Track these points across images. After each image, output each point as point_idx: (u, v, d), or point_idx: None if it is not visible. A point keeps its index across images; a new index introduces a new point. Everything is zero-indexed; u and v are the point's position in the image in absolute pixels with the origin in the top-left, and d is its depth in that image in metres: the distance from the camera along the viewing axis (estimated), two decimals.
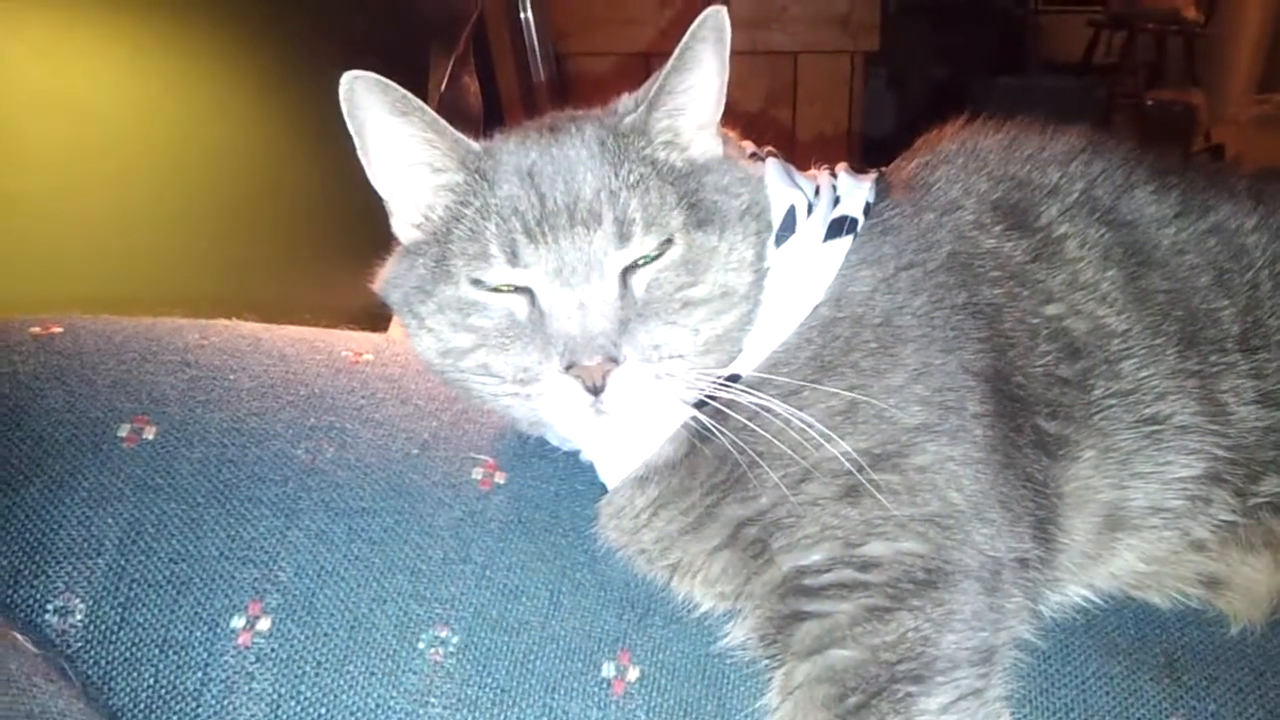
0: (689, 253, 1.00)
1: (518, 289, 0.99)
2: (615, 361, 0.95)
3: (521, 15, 3.37)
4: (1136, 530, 1.09)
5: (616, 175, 1.00)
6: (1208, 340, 1.10)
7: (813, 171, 1.17)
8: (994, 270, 1.10)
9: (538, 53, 3.41)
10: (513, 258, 0.98)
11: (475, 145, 1.04)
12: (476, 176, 1.02)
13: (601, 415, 0.97)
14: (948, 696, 0.95)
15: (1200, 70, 6.16)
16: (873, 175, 1.17)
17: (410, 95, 0.99)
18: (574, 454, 1.15)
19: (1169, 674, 1.07)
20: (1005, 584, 1.00)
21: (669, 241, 1.00)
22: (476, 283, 1.00)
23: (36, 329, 1.19)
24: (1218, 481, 1.08)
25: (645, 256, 0.99)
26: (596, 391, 0.96)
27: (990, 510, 1.01)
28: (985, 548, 1.00)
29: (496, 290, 0.99)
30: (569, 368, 0.95)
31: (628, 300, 0.98)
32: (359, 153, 1.03)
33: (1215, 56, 6.22)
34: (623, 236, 0.98)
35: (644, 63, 3.73)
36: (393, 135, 1.02)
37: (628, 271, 0.99)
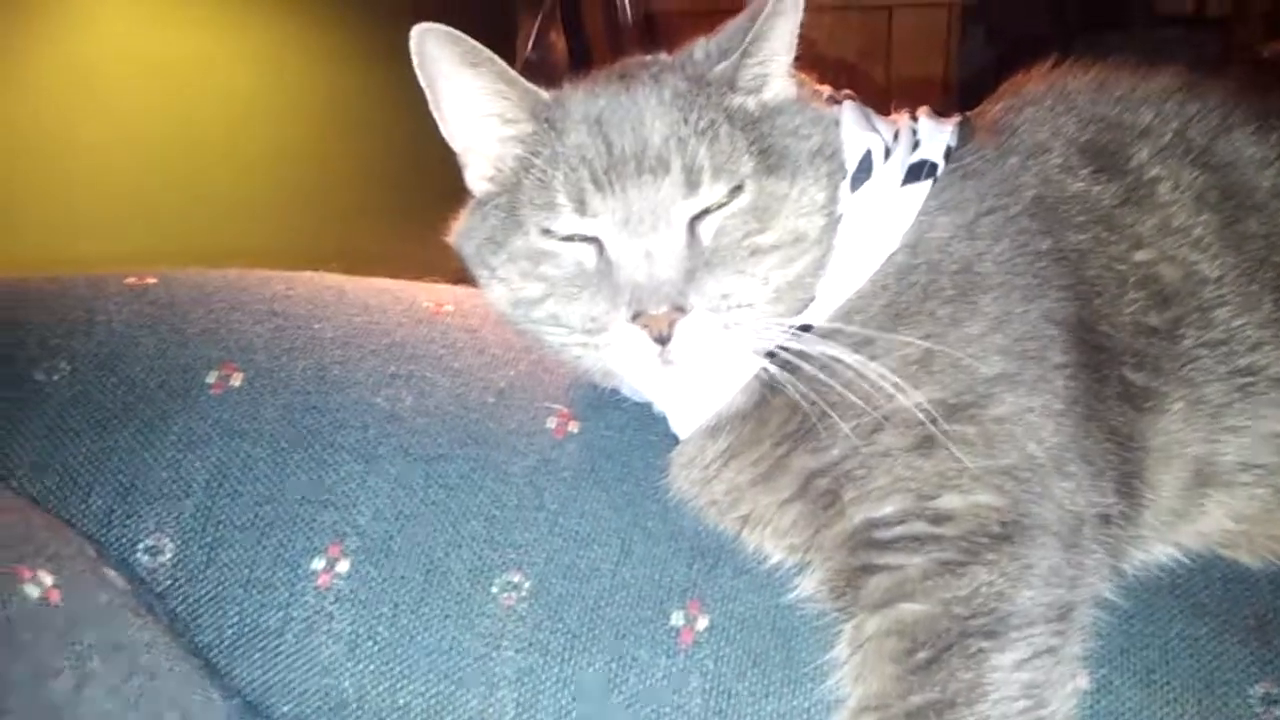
0: (759, 199, 0.99)
1: (586, 238, 0.99)
2: (682, 310, 0.94)
3: None
4: (1227, 487, 1.04)
5: (686, 122, 0.98)
6: None
7: (893, 116, 1.14)
8: (1080, 215, 1.06)
9: (628, 12, 3.39)
10: (580, 206, 0.97)
11: (545, 95, 1.03)
12: (546, 126, 1.02)
13: (668, 365, 0.96)
14: (1021, 653, 0.93)
15: None
16: (956, 119, 1.13)
17: (480, 46, 0.99)
18: (646, 405, 1.14)
19: (1258, 637, 1.02)
20: (1085, 540, 0.97)
21: (738, 188, 0.98)
22: (546, 232, 1.00)
23: (132, 280, 1.23)
24: None
25: (714, 204, 0.98)
26: (663, 341, 0.95)
27: (1071, 464, 0.98)
28: (1065, 502, 0.97)
29: (566, 239, 0.99)
30: (635, 317, 0.95)
31: (695, 249, 0.97)
32: (431, 107, 1.03)
33: None
34: (691, 184, 0.97)
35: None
36: (464, 88, 1.02)
37: (696, 219, 0.98)
